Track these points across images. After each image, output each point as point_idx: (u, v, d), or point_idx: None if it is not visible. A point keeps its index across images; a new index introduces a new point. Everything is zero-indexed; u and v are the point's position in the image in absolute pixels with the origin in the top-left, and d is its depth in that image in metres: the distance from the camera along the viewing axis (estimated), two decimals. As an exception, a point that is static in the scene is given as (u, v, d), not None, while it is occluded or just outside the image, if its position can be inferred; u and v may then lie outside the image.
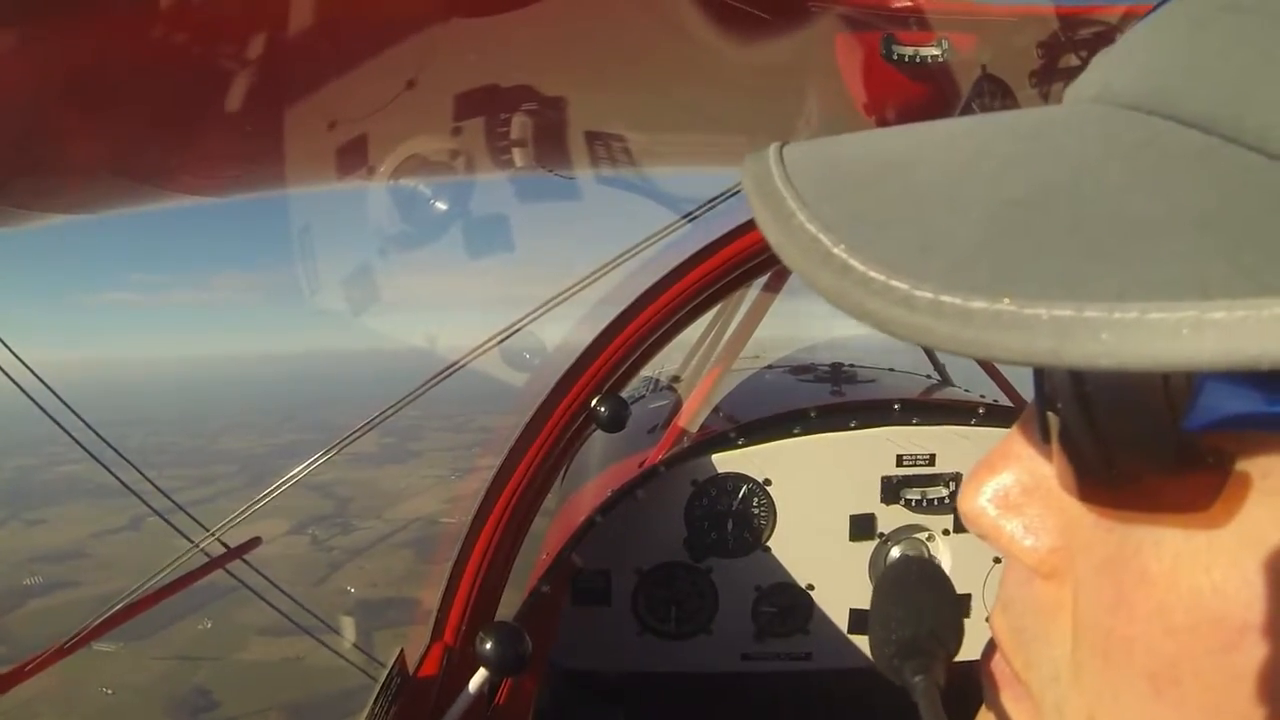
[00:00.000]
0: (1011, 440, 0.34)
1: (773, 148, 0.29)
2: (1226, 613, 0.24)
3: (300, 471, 1.25)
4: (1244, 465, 0.24)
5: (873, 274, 0.22)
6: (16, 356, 1.28)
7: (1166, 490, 0.25)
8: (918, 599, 0.52)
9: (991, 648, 0.36)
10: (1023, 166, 0.24)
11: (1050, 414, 0.29)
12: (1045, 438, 0.30)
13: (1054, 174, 0.23)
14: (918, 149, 0.28)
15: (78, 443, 1.19)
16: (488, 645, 1.07)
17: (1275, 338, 0.17)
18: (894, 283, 0.21)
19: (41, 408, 1.17)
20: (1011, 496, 0.33)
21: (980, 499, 0.33)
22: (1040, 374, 0.29)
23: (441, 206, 1.56)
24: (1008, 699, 0.35)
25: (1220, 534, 0.25)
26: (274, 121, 1.26)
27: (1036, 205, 0.22)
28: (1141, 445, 0.25)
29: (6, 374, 1.23)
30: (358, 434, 1.29)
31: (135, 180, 1.37)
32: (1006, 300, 0.20)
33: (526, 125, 1.50)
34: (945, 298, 0.20)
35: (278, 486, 1.24)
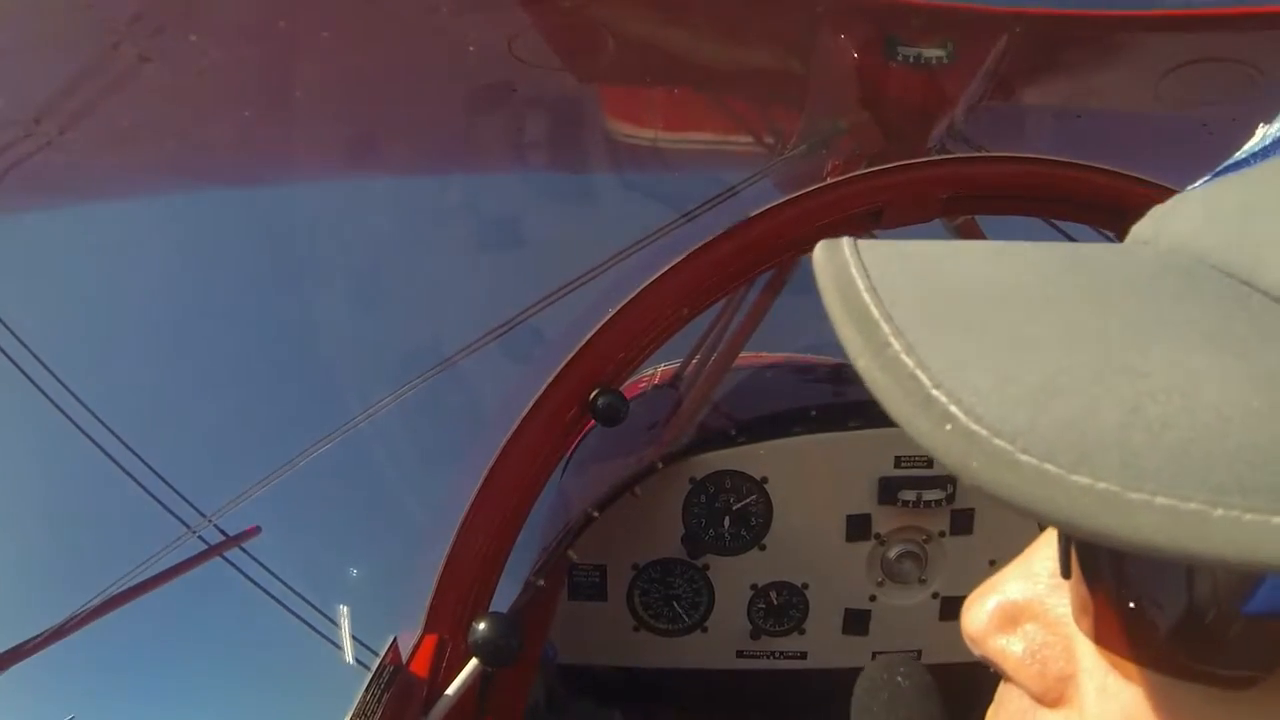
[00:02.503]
0: (1020, 562, 0.33)
1: (846, 246, 0.28)
2: None
3: (302, 456, 1.26)
4: None
5: (976, 428, 0.21)
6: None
7: (1206, 662, 0.25)
8: None
9: None
10: (1141, 332, 0.23)
11: (1076, 553, 0.28)
12: (1066, 573, 0.30)
13: (1172, 354, 0.22)
14: (1012, 278, 0.26)
15: (65, 414, 1.19)
16: (480, 635, 1.08)
17: None
18: (999, 443, 0.21)
19: (30, 378, 1.18)
20: (1018, 620, 0.32)
21: (984, 620, 0.33)
22: None
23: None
24: None
25: (1256, 712, 0.24)
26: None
27: (1152, 377, 0.21)
28: (1190, 619, 0.25)
29: None
30: (357, 422, 1.30)
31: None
32: (1107, 483, 0.19)
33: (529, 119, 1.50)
34: (1049, 467, 0.20)
35: (280, 470, 1.25)
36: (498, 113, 1.52)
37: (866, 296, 0.25)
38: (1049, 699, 0.31)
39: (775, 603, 1.73)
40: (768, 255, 1.35)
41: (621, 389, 1.33)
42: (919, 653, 1.74)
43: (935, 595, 1.72)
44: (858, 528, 1.68)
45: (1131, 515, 0.19)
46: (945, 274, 0.27)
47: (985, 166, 1.36)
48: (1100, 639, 0.28)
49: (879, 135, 1.45)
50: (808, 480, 1.67)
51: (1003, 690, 0.34)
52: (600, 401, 1.26)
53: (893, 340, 0.23)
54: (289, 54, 1.30)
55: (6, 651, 1.17)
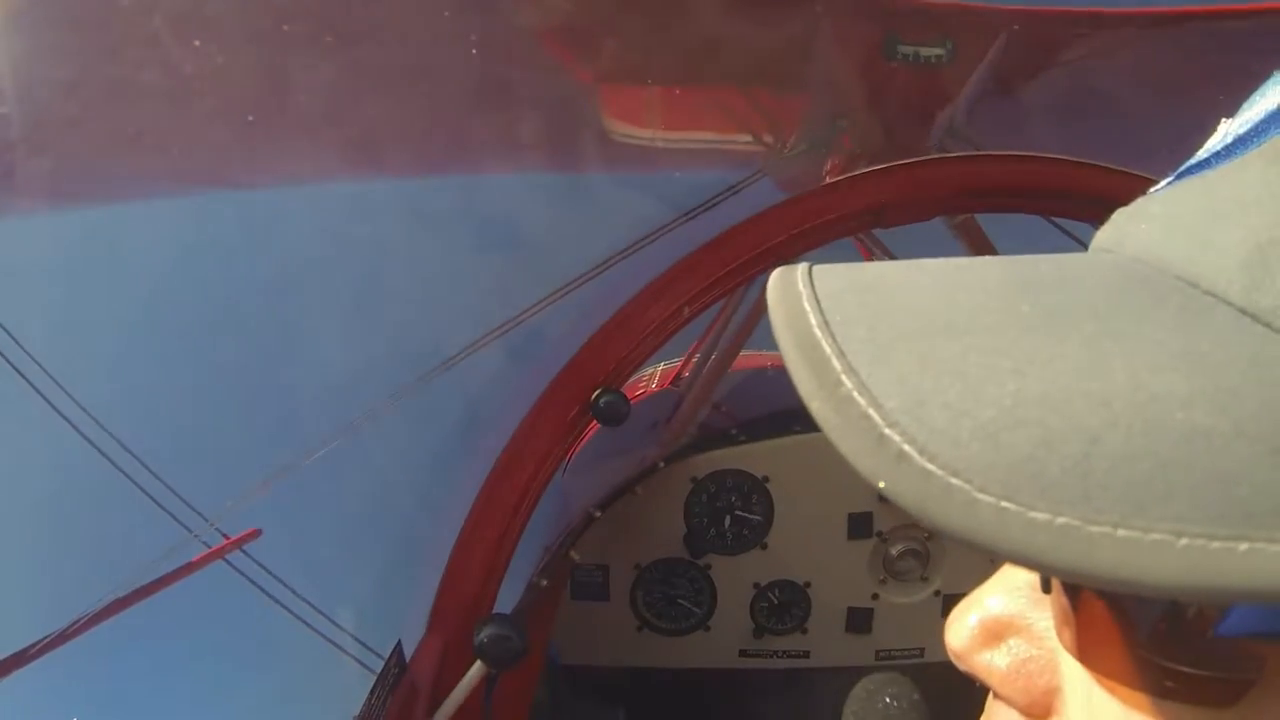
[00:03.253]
0: (1002, 576, 0.33)
1: (800, 275, 0.27)
2: None
3: (303, 458, 1.26)
4: (1275, 669, 0.23)
5: (931, 467, 0.20)
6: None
7: (1184, 679, 0.24)
8: None
9: None
10: (1102, 355, 0.22)
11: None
12: (1046, 588, 0.30)
13: (1134, 378, 0.22)
14: (969, 303, 0.26)
15: (65, 419, 1.19)
16: (485, 637, 1.08)
17: None
18: (955, 481, 0.20)
19: (30, 382, 1.18)
20: (1002, 635, 0.32)
21: (968, 636, 0.33)
22: None
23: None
24: None
25: None
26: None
27: (1114, 405, 0.21)
28: (1166, 639, 0.24)
29: None
30: (357, 424, 1.30)
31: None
32: (1067, 517, 0.19)
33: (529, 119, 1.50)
34: (1007, 504, 0.19)
35: (282, 470, 1.25)
36: (498, 113, 1.52)
37: (818, 332, 0.24)
38: (1036, 712, 0.31)
39: (777, 601, 1.73)
40: (768, 255, 1.35)
41: (622, 389, 1.33)
42: (921, 650, 1.75)
43: (937, 593, 1.72)
44: (859, 525, 1.68)
45: (1093, 549, 0.18)
46: (900, 303, 0.26)
47: (985, 165, 1.36)
48: (1082, 654, 0.27)
49: (879, 135, 1.45)
50: (809, 478, 1.67)
51: (991, 704, 0.34)
52: (602, 401, 1.26)
53: (844, 379, 0.22)
54: (291, 56, 1.30)
55: (10, 656, 1.17)
